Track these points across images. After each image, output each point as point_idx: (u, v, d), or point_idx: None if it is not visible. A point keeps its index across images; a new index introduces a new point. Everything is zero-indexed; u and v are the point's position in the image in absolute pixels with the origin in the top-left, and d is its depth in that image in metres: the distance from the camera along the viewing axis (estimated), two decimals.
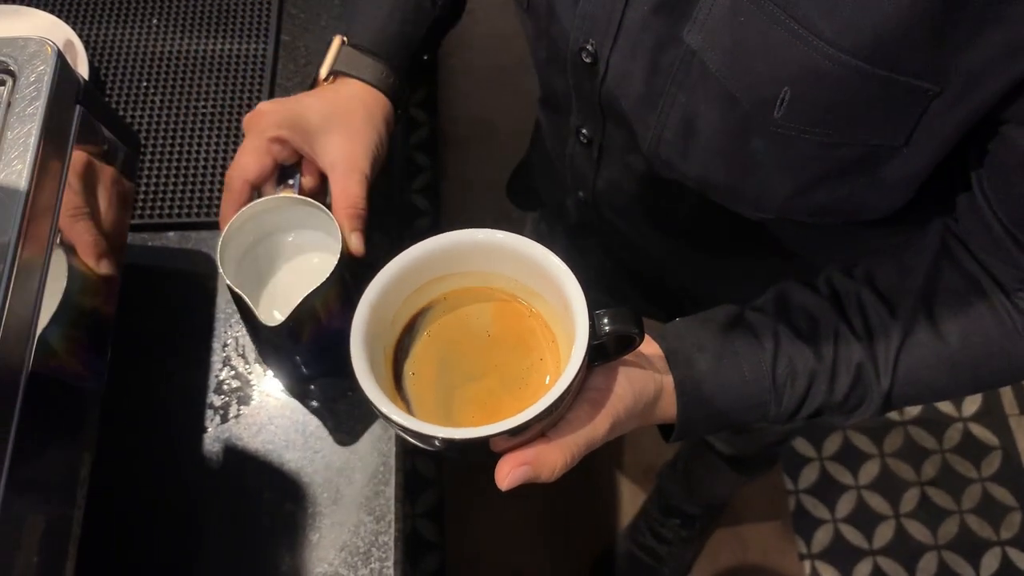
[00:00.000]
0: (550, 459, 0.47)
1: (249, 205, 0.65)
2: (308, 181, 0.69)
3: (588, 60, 0.58)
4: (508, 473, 0.46)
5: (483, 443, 0.44)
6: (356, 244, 0.66)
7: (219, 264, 0.63)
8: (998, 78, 0.43)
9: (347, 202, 0.65)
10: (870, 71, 0.43)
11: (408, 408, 0.49)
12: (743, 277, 0.74)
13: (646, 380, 0.53)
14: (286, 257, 0.72)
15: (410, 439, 0.46)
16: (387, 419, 0.44)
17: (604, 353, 0.50)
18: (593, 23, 0.56)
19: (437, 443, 0.44)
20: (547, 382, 0.49)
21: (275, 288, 0.71)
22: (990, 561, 1.65)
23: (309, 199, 0.66)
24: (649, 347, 0.55)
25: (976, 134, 0.48)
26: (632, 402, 0.51)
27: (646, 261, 0.83)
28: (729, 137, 0.53)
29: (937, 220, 0.58)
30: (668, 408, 0.55)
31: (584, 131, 0.68)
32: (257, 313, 0.62)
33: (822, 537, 1.67)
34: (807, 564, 1.65)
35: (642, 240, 0.78)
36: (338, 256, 0.62)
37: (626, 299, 0.91)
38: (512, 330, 0.52)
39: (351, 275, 0.65)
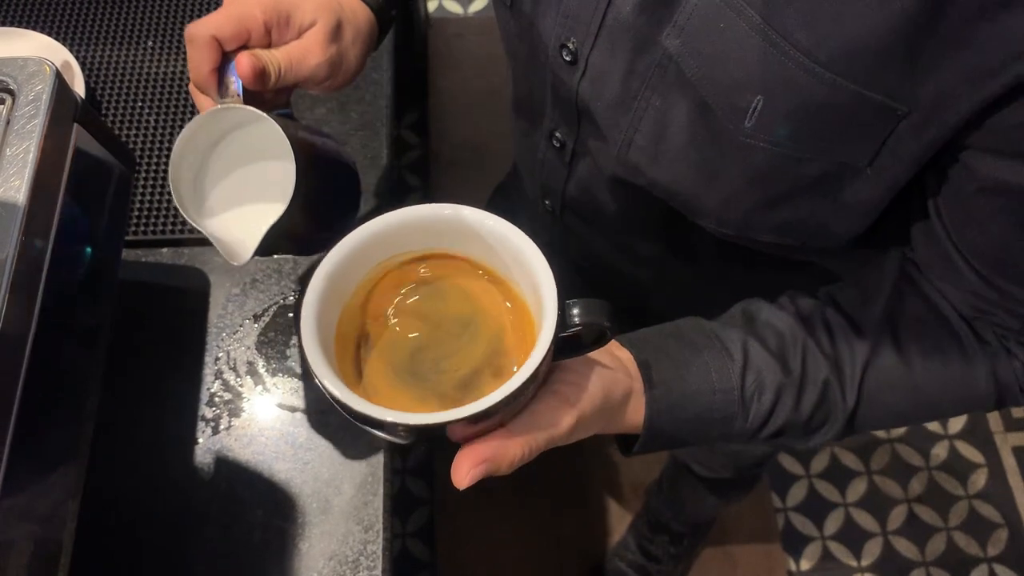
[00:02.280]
0: (509, 453, 0.45)
1: (197, 119, 0.59)
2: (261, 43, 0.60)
3: (568, 59, 0.58)
4: (468, 472, 0.44)
5: (441, 429, 0.42)
6: (244, 64, 0.56)
7: (175, 197, 0.59)
8: (964, 103, 0.43)
9: (288, 60, 0.59)
10: (842, 85, 0.44)
11: (366, 394, 0.46)
12: (708, 297, 0.73)
13: (616, 380, 0.52)
14: (238, 169, 0.65)
15: (368, 427, 0.44)
16: (340, 404, 0.42)
17: (574, 346, 0.48)
18: (575, 21, 0.56)
19: (399, 430, 0.42)
20: (514, 370, 0.47)
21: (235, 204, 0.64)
22: None
23: (258, 111, 0.58)
24: (620, 351, 0.55)
25: (936, 161, 0.48)
26: (601, 401, 0.50)
27: (609, 273, 0.82)
28: (699, 144, 0.53)
29: (895, 248, 0.58)
30: (634, 415, 0.54)
31: (558, 134, 0.67)
32: (221, 244, 0.58)
33: (811, 554, 1.68)
34: None
35: (607, 251, 0.78)
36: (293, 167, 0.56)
37: None
38: (482, 315, 0.49)
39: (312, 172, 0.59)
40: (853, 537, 1.70)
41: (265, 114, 0.57)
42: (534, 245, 0.45)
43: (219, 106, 0.58)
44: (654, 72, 0.52)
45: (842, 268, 0.66)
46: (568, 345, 0.47)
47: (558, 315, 0.43)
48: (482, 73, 2.15)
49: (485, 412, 0.41)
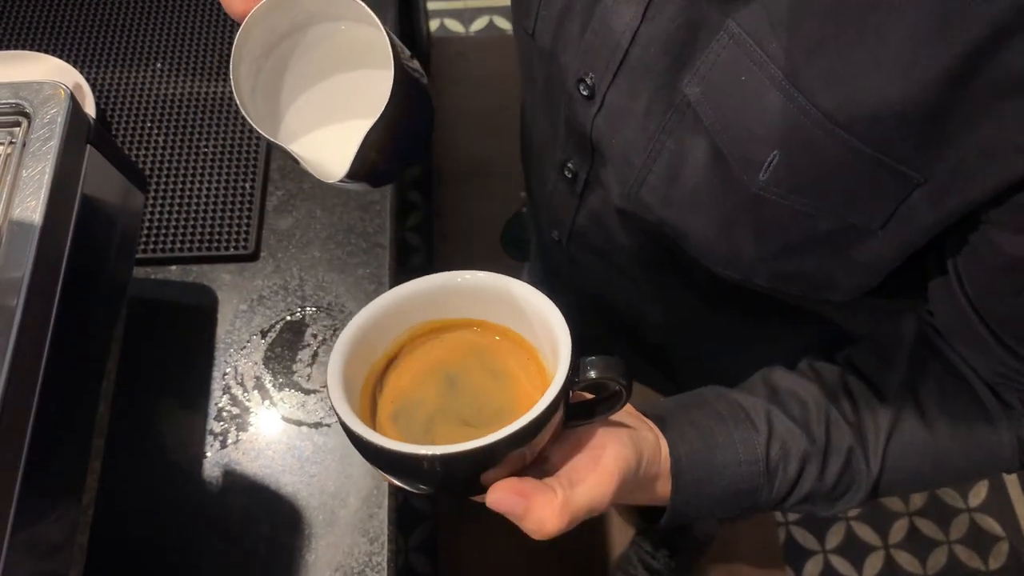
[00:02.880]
0: (548, 527, 0.46)
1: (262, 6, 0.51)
2: None
3: (585, 93, 0.57)
4: (500, 495, 0.45)
5: (464, 462, 0.42)
6: None
7: (238, 98, 0.52)
8: (985, 179, 0.41)
9: None
10: (861, 149, 0.43)
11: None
12: (716, 337, 0.73)
13: (650, 445, 0.52)
14: (308, 74, 0.58)
15: (392, 471, 0.45)
16: (361, 441, 0.43)
17: (588, 410, 0.49)
18: (595, 57, 0.55)
19: (424, 464, 0.42)
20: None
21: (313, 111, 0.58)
22: None
23: None
24: (646, 420, 0.55)
25: (957, 227, 0.47)
26: (635, 465, 0.49)
27: (614, 304, 0.82)
28: (711, 191, 0.52)
29: (910, 302, 0.57)
30: (662, 487, 0.54)
31: (570, 164, 0.67)
32: (303, 158, 0.54)
33: (812, 568, 1.69)
34: None
35: (613, 284, 0.77)
36: (391, 60, 0.50)
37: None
38: (502, 371, 0.51)
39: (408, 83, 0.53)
40: (854, 551, 1.70)
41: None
42: (553, 305, 0.47)
43: None
44: (671, 115, 0.52)
45: (853, 320, 0.64)
46: (583, 409, 0.49)
47: (571, 361, 0.44)
48: (484, 92, 2.17)
49: (492, 447, 0.41)
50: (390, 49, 0.50)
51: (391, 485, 0.53)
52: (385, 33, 0.50)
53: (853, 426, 0.56)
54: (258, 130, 0.52)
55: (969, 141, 0.41)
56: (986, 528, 1.72)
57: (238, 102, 0.52)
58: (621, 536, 1.69)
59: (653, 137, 0.54)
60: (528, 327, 0.50)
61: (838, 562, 1.69)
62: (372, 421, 0.49)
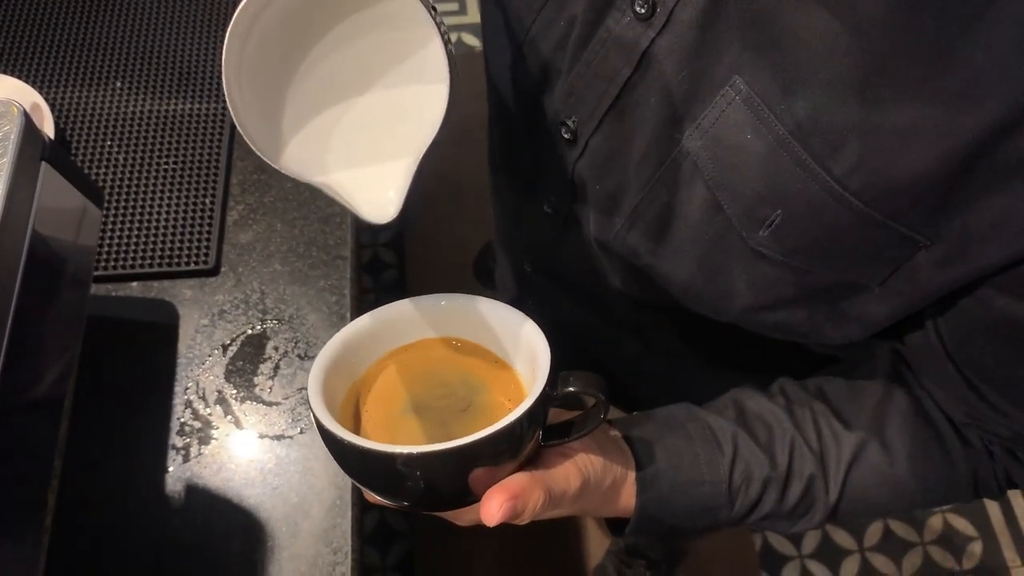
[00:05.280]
0: (533, 495, 0.47)
1: None
2: None
3: (567, 136, 0.55)
4: (499, 507, 0.46)
5: (448, 465, 0.43)
6: None
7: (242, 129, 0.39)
8: (997, 248, 0.40)
9: None
10: (870, 216, 0.42)
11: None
12: (688, 368, 0.73)
13: (615, 459, 0.54)
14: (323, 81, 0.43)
15: (367, 479, 0.46)
16: (339, 442, 0.43)
17: (565, 429, 0.50)
18: (578, 101, 0.53)
19: (399, 464, 0.43)
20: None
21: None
22: None
23: None
24: (615, 432, 0.56)
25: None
26: (602, 472, 0.52)
27: (584, 340, 0.80)
28: (704, 242, 0.50)
29: (884, 343, 0.56)
30: (627, 499, 0.55)
31: (549, 202, 0.65)
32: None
33: (789, 574, 1.69)
34: None
35: (586, 316, 0.76)
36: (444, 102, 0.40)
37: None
38: (480, 385, 0.52)
39: None
40: (831, 555, 1.72)
41: None
42: (533, 323, 0.49)
43: None
44: (667, 167, 0.49)
45: (830, 350, 0.65)
46: (561, 429, 0.50)
47: (550, 375, 0.45)
48: (458, 109, 2.17)
49: (474, 445, 0.42)
50: (444, 57, 0.39)
51: (369, 500, 0.53)
52: (440, 34, 0.38)
53: (816, 454, 0.57)
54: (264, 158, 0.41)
55: (982, 209, 0.39)
56: (959, 529, 1.74)
57: (236, 122, 0.39)
58: (598, 547, 1.69)
59: (645, 186, 0.52)
60: (508, 347, 0.51)
61: (815, 567, 1.70)
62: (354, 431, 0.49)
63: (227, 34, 0.36)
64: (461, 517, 0.52)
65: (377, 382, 0.52)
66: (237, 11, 0.36)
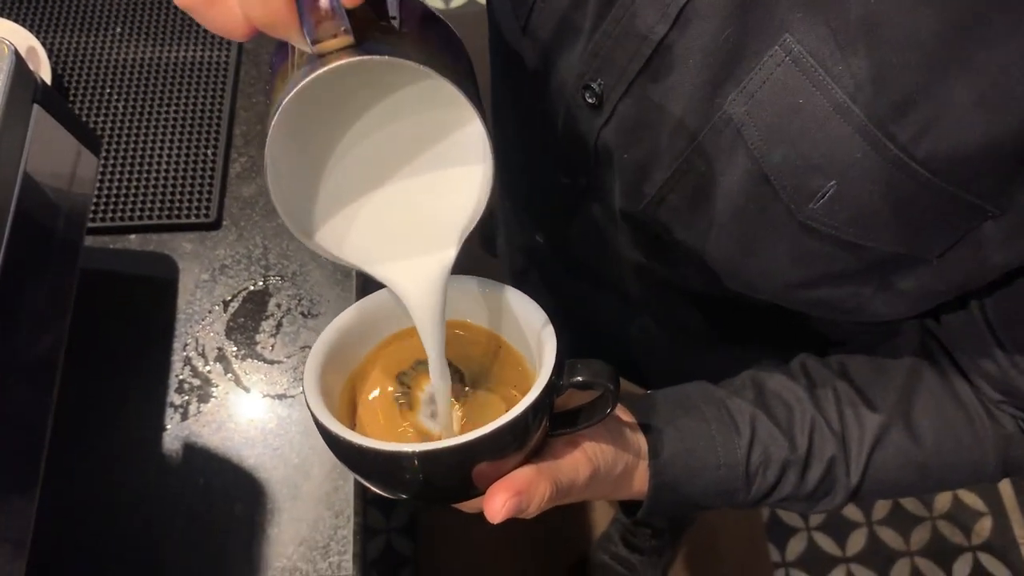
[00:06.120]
0: (539, 488, 0.45)
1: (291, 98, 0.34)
2: None
3: (591, 101, 0.51)
4: (503, 504, 0.44)
5: (452, 460, 0.41)
6: None
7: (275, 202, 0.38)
8: None
9: None
10: (938, 185, 0.39)
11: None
12: (702, 349, 0.71)
13: (627, 446, 0.51)
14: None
15: (370, 474, 0.44)
16: (340, 442, 0.42)
17: (572, 418, 0.48)
18: (605, 62, 0.48)
19: (403, 463, 0.41)
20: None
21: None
22: (962, 566, 1.66)
23: (411, 62, 0.34)
24: (628, 417, 0.54)
25: None
26: (612, 460, 0.50)
27: (593, 318, 0.77)
28: (745, 216, 0.47)
29: (913, 320, 0.55)
30: (640, 483, 0.53)
31: (567, 172, 0.60)
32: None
33: (796, 545, 1.68)
34: (781, 572, 1.65)
35: (592, 295, 0.73)
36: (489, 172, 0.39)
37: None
38: (485, 372, 0.50)
39: None
40: (838, 528, 1.70)
41: (431, 71, 0.34)
42: (540, 308, 0.47)
43: (326, 67, 0.33)
44: (705, 135, 0.45)
45: (854, 328, 0.61)
46: (568, 417, 0.48)
47: (556, 362, 0.43)
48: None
49: (493, 435, 0.40)
50: (486, 138, 0.38)
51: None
52: (479, 116, 0.37)
53: (837, 435, 0.55)
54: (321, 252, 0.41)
55: None
56: (969, 504, 1.72)
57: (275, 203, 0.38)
58: (602, 516, 1.68)
59: (680, 155, 0.48)
60: (512, 331, 0.49)
61: (822, 539, 1.68)
62: (351, 425, 0.48)
63: (271, 126, 0.35)
64: (468, 506, 0.50)
65: (375, 370, 0.50)
66: (285, 104, 0.34)
